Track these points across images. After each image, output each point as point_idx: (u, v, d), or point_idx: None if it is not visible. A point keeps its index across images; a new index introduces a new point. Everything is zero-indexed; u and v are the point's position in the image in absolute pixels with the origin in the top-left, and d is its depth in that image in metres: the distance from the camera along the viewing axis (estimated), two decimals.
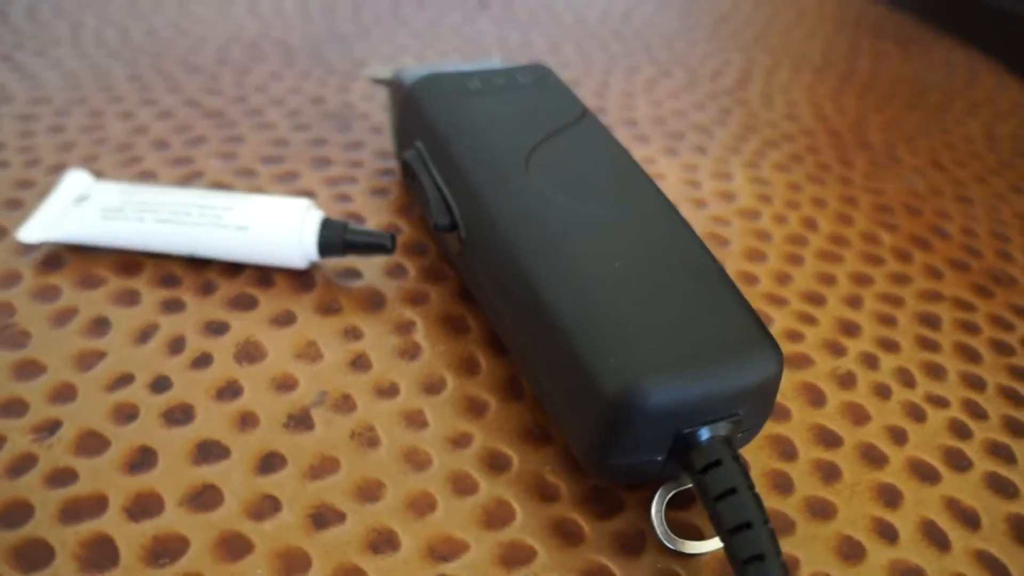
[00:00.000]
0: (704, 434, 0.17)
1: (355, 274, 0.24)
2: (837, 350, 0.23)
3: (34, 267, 0.23)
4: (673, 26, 0.41)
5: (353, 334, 0.22)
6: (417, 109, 0.24)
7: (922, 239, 0.28)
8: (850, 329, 0.24)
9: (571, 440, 0.18)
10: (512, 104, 0.23)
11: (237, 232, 0.22)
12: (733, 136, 0.32)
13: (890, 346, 0.24)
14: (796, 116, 0.35)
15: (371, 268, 0.24)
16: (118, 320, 0.21)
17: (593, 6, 0.43)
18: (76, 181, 0.25)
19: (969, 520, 0.19)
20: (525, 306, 0.19)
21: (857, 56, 0.41)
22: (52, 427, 0.19)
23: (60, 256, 0.23)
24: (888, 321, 0.24)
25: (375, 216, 0.26)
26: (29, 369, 0.20)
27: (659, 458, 0.17)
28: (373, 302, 0.23)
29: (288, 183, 0.27)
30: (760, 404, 0.17)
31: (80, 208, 0.23)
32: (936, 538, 0.18)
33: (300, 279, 0.23)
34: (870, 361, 0.23)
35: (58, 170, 0.27)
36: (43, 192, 0.26)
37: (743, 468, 0.16)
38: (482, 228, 0.20)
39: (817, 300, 0.25)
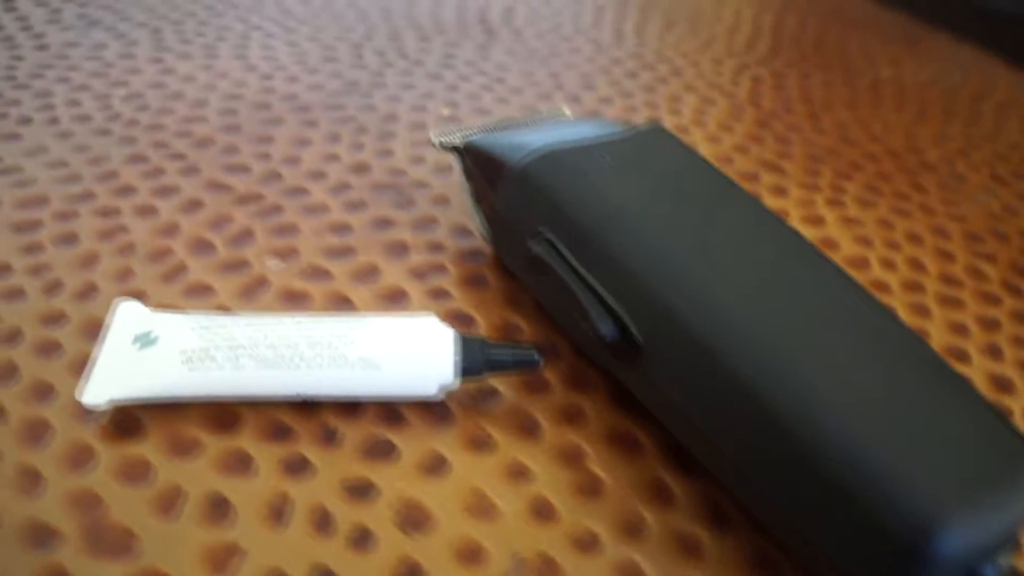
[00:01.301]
0: (994, 569, 0.15)
1: (492, 393, 0.21)
2: (1005, 409, 0.22)
3: (106, 436, 0.19)
4: (689, 44, 0.39)
5: (520, 473, 0.19)
6: (541, 193, 0.21)
7: (1021, 268, 0.27)
8: (1005, 385, 0.23)
9: None
10: (653, 179, 0.21)
11: (363, 369, 0.19)
12: (803, 170, 0.31)
13: None
14: (851, 139, 0.33)
15: (507, 383, 0.21)
16: (238, 496, 0.18)
17: (600, 27, 0.40)
18: (128, 315, 0.21)
19: None
20: (758, 430, 0.16)
21: (877, 63, 0.40)
22: None
23: (134, 416, 0.19)
24: None
25: (484, 315, 0.23)
26: None
27: None
28: (525, 428, 0.20)
29: (370, 282, 0.23)
30: None
31: (151, 354, 0.19)
32: None
33: (434, 410, 0.20)
34: None
35: (87, 295, 0.22)
36: (81, 329, 0.21)
37: None
38: (673, 335, 0.18)
39: (962, 356, 0.24)
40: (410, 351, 0.19)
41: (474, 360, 0.19)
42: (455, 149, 0.25)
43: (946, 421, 0.16)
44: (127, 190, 0.26)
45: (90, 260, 0.23)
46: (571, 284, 0.20)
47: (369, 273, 0.24)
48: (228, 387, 0.19)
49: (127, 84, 0.32)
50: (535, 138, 0.23)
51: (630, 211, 0.20)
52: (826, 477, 0.15)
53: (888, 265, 0.26)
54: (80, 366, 0.20)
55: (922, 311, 0.25)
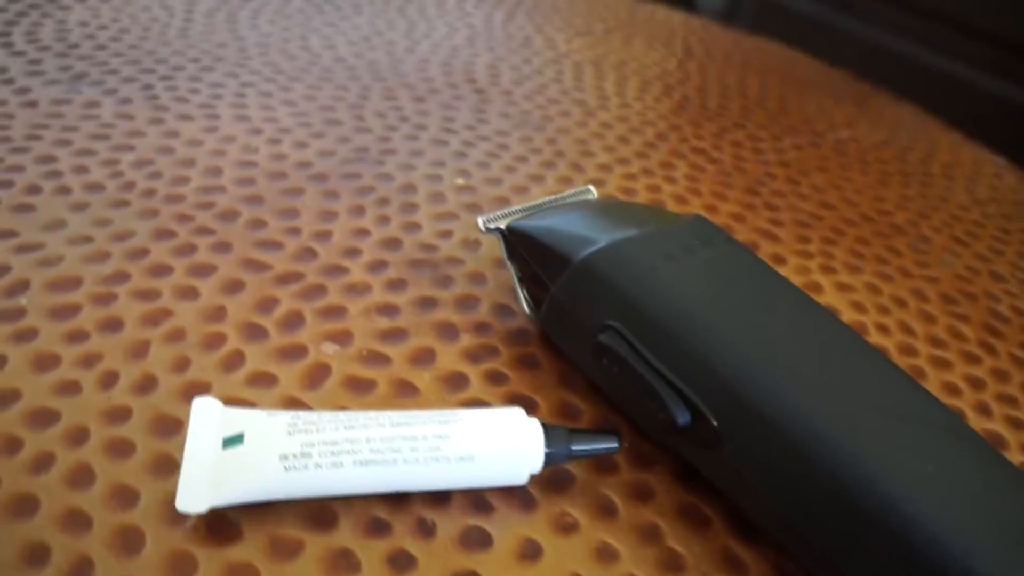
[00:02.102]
0: None
1: (566, 477, 0.22)
2: None
3: (203, 541, 0.19)
4: (666, 105, 0.42)
5: (608, 554, 0.20)
6: (607, 286, 0.22)
7: (991, 327, 0.31)
8: (998, 442, 0.26)
9: None
10: (710, 271, 0.23)
11: (460, 464, 0.20)
12: (794, 237, 0.33)
13: None
14: (829, 203, 0.36)
15: (577, 465, 0.22)
16: None
17: (583, 87, 0.42)
18: (208, 414, 0.21)
19: None
20: (846, 515, 0.18)
21: (835, 124, 0.43)
22: None
23: (227, 518, 0.19)
24: (1020, 425, 0.26)
25: (543, 397, 0.24)
26: None
27: None
28: (603, 508, 0.21)
29: (429, 366, 0.24)
30: None
31: (243, 455, 0.20)
32: None
33: (518, 496, 0.21)
34: None
35: (147, 387, 0.22)
36: (150, 425, 0.21)
37: None
38: (752, 422, 0.19)
39: (959, 415, 0.26)
40: (503, 445, 0.20)
41: (560, 450, 0.21)
42: (500, 231, 0.26)
43: (1012, 499, 0.18)
44: (162, 269, 0.26)
45: (141, 348, 0.23)
46: (644, 374, 0.21)
47: (426, 357, 0.24)
48: (328, 487, 0.19)
49: (133, 148, 0.31)
50: (588, 228, 0.24)
51: (701, 305, 0.21)
52: (912, 558, 0.17)
53: (883, 330, 0.29)
54: (157, 466, 0.20)
55: (919, 374, 0.27)
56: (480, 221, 0.26)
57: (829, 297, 0.30)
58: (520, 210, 0.27)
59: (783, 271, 0.31)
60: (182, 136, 0.32)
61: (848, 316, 0.29)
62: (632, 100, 0.41)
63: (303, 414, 0.20)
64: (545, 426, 0.21)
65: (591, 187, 0.28)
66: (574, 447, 0.21)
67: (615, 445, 0.21)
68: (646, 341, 0.21)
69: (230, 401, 0.22)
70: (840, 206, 0.36)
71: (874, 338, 0.29)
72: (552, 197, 0.27)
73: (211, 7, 0.43)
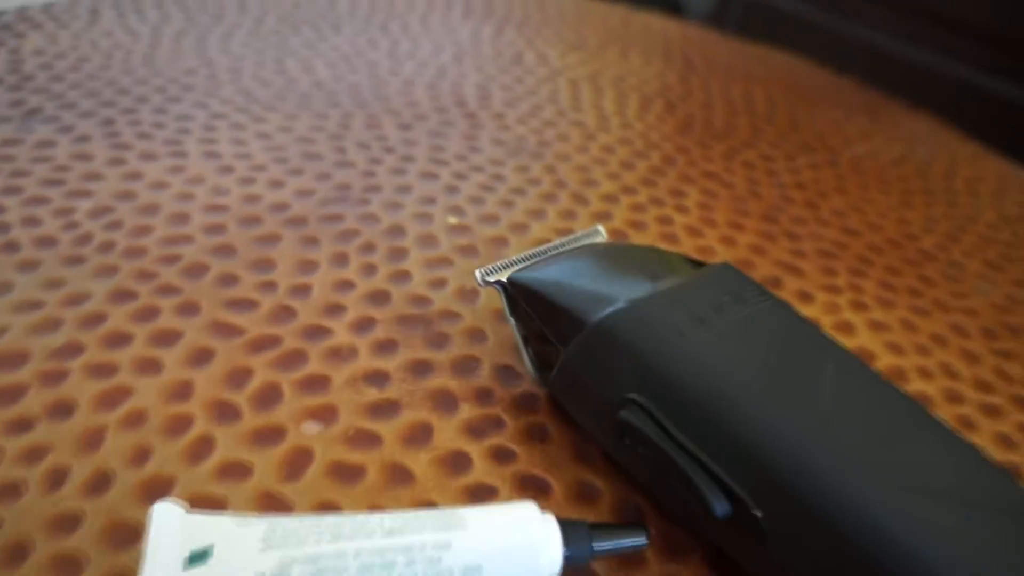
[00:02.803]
0: None
1: (588, 574, 0.19)
2: None
3: None
4: (670, 124, 0.39)
5: None
6: (630, 354, 0.19)
7: None
8: None
9: None
10: (743, 333, 0.20)
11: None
12: (819, 269, 0.30)
13: None
14: (852, 229, 0.33)
15: (599, 559, 0.19)
16: None
17: (580, 107, 0.39)
18: (169, 522, 0.18)
19: None
20: None
21: (849, 140, 0.41)
22: None
23: None
24: None
25: (556, 476, 0.21)
26: None
27: None
28: None
29: (425, 445, 0.21)
30: None
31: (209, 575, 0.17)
32: None
33: None
34: None
35: (102, 486, 0.19)
36: (103, 534, 0.18)
37: None
38: (795, 510, 0.17)
39: (1018, 472, 0.24)
40: (515, 551, 0.17)
41: (580, 551, 0.18)
42: (500, 284, 0.23)
43: None
44: (119, 338, 0.23)
45: (95, 436, 0.20)
46: (675, 457, 0.18)
47: (421, 434, 0.21)
48: None
49: (90, 195, 0.28)
50: (604, 284, 0.21)
51: (739, 377, 0.18)
52: None
53: (925, 375, 0.26)
54: None
55: (969, 425, 0.25)
56: (478, 274, 0.23)
57: (862, 339, 0.27)
58: (522, 259, 0.24)
59: (811, 310, 0.28)
60: (145, 178, 0.29)
61: (886, 360, 0.26)
62: (634, 120, 0.38)
63: (280, 522, 0.17)
64: (563, 523, 0.18)
65: (600, 228, 0.25)
66: (596, 546, 0.18)
67: (643, 540, 0.18)
68: (675, 418, 0.18)
69: (197, 500, 0.19)
70: (864, 231, 0.33)
71: (916, 385, 0.26)
72: (558, 241, 0.25)
73: (179, 30, 0.40)
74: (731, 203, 0.33)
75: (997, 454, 0.24)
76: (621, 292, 0.21)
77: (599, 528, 0.18)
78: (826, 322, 0.28)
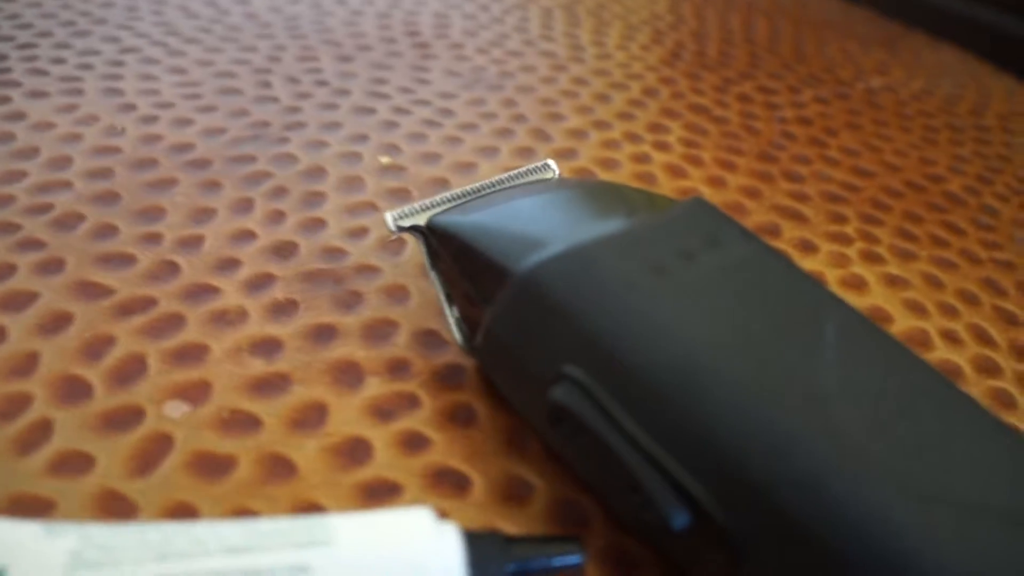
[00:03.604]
0: None
1: None
2: None
3: None
4: (656, 54, 0.34)
5: None
6: (564, 314, 0.15)
7: None
8: None
9: None
10: (716, 288, 0.15)
11: None
12: (825, 216, 0.26)
13: None
14: (865, 169, 0.28)
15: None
16: None
17: (552, 37, 0.34)
18: None
19: None
20: None
21: (864, 72, 0.35)
22: None
23: None
24: None
25: (480, 470, 0.16)
26: None
27: None
28: None
29: (316, 430, 0.17)
30: None
31: None
32: None
33: None
34: None
35: None
36: None
37: None
38: (771, 520, 0.12)
39: None
40: (396, 573, 0.13)
41: (491, 572, 0.13)
42: (418, 231, 0.18)
43: None
44: None
45: None
46: (619, 449, 0.14)
47: (313, 416, 0.17)
48: None
49: None
50: (541, 225, 0.17)
51: (704, 342, 0.14)
52: None
53: (952, 340, 0.22)
54: None
55: (1007, 401, 0.20)
56: (389, 217, 0.18)
57: (876, 297, 0.22)
58: (449, 198, 0.19)
59: (813, 262, 0.23)
60: (28, 118, 0.25)
61: (904, 323, 0.22)
62: (614, 50, 0.33)
63: (98, 532, 0.13)
64: (470, 535, 0.14)
65: (550, 162, 0.21)
66: (514, 566, 0.13)
67: (577, 558, 0.14)
68: (620, 399, 0.14)
69: (19, 500, 0.15)
70: (880, 172, 0.28)
71: (940, 353, 0.21)
72: (496, 179, 0.20)
73: None
74: (721, 140, 0.28)
75: None
76: (559, 235, 0.16)
77: (519, 542, 0.14)
78: (831, 277, 0.23)
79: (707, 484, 0.13)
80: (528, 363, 0.15)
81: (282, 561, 0.13)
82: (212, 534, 0.13)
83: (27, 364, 0.18)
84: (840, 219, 0.25)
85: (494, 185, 0.20)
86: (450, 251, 0.18)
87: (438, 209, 0.19)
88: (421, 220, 0.18)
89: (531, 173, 0.20)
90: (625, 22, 0.36)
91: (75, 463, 0.16)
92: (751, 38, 0.37)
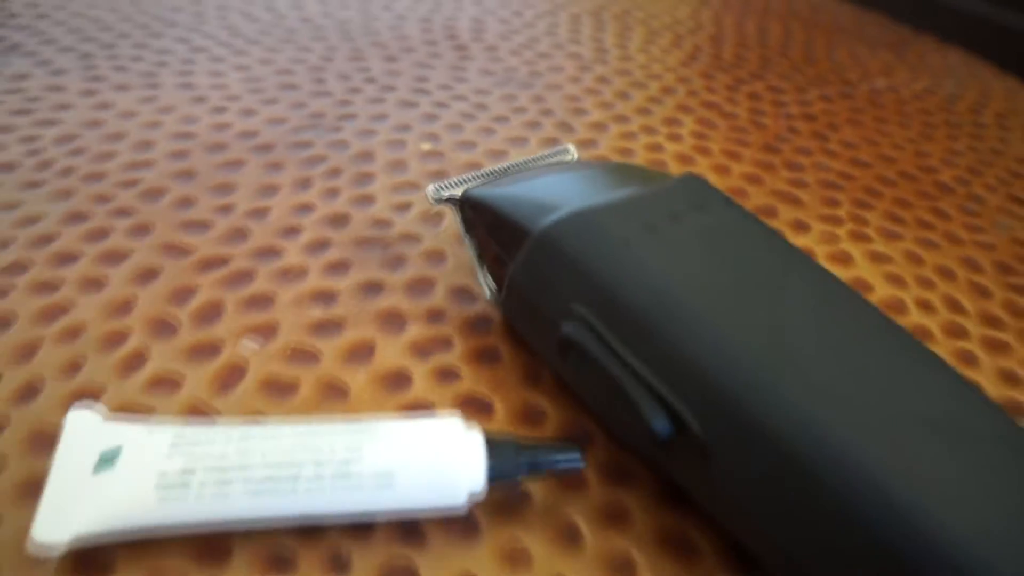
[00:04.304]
0: None
1: (522, 498, 0.18)
2: None
3: None
4: (675, 56, 0.37)
5: None
6: (574, 264, 0.18)
7: None
8: None
9: None
10: (701, 243, 0.18)
11: (376, 488, 0.16)
12: (820, 200, 0.28)
13: None
14: (862, 161, 0.31)
15: (537, 482, 0.18)
16: None
17: (579, 40, 0.37)
18: (84, 426, 0.17)
19: None
20: (855, 543, 0.14)
21: (870, 73, 0.38)
22: None
23: (99, 557, 0.16)
24: None
25: (502, 398, 0.20)
26: None
27: None
28: (564, 535, 0.17)
29: (365, 363, 0.20)
30: None
31: (115, 478, 0.16)
32: None
33: (459, 523, 0.17)
34: None
35: (31, 394, 0.19)
36: (27, 439, 0.18)
37: None
38: (743, 433, 0.15)
39: (1019, 410, 0.22)
40: (432, 463, 0.16)
41: (507, 467, 0.16)
42: (453, 201, 0.22)
43: None
44: (68, 257, 0.22)
45: (30, 349, 0.20)
46: (616, 373, 0.17)
47: (363, 352, 0.20)
48: (214, 516, 0.16)
49: (57, 123, 0.28)
50: (556, 194, 0.20)
51: (686, 286, 0.17)
52: None
53: (925, 307, 0.24)
54: (29, 488, 0.17)
55: (969, 360, 0.23)
56: (430, 189, 0.21)
57: (860, 270, 0.25)
58: (481, 175, 0.22)
59: (805, 240, 0.26)
60: (115, 108, 0.29)
61: (883, 292, 0.24)
62: (635, 52, 0.36)
63: (191, 428, 0.17)
64: (489, 438, 0.17)
65: (570, 146, 0.24)
66: (525, 463, 0.17)
67: (577, 461, 0.17)
68: (617, 332, 0.17)
69: (125, 408, 0.19)
70: (875, 163, 0.31)
71: (915, 317, 0.24)
72: (523, 160, 0.23)
73: None
74: (730, 133, 0.31)
75: (999, 390, 0.22)
76: (571, 202, 0.19)
77: (530, 446, 0.17)
78: (821, 252, 0.26)
79: (685, 398, 0.16)
80: (542, 305, 0.18)
81: (340, 445, 0.16)
82: (284, 426, 0.16)
83: (125, 306, 0.21)
84: (833, 203, 0.28)
85: (520, 165, 0.23)
86: (482, 218, 0.21)
87: (472, 184, 0.22)
88: (457, 192, 0.22)
89: (553, 156, 0.24)
90: (647, 27, 0.39)
91: (168, 382, 0.19)
92: (764, 42, 0.39)
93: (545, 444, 0.17)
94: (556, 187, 0.21)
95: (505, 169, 0.23)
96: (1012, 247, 0.28)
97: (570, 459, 0.17)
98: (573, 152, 0.24)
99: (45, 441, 0.18)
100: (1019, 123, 0.36)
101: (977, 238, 0.28)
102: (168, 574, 0.15)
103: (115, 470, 0.16)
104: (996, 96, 0.38)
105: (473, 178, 0.22)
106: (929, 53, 0.41)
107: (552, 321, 0.18)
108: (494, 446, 0.17)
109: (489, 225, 0.21)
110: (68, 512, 0.16)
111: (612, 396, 0.17)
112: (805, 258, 0.18)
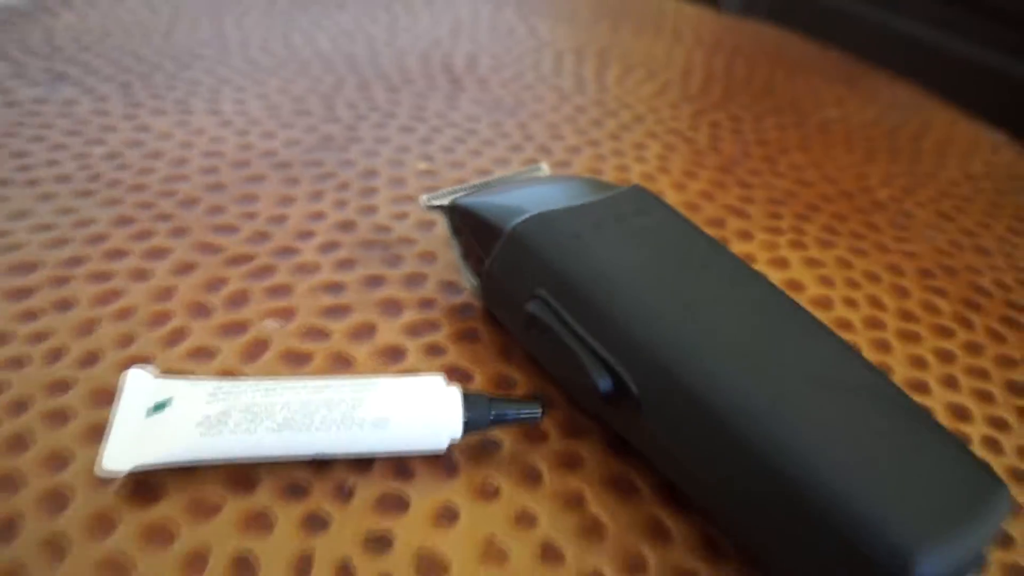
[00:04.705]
0: None
1: (493, 444, 0.22)
2: (963, 439, 0.24)
3: (127, 501, 0.19)
4: (647, 89, 0.41)
5: (526, 519, 0.20)
6: (534, 255, 0.22)
7: (970, 300, 0.30)
8: (962, 414, 0.25)
9: None
10: (640, 239, 0.22)
11: (374, 429, 0.20)
12: (765, 214, 0.32)
13: (1001, 425, 0.24)
14: (807, 181, 0.35)
15: (507, 432, 0.22)
16: (264, 553, 0.18)
17: (561, 74, 0.42)
18: (140, 383, 0.21)
19: None
20: (747, 474, 0.18)
21: (823, 104, 0.42)
22: None
23: (151, 481, 0.20)
24: (987, 397, 0.25)
25: (480, 369, 0.24)
26: None
27: None
28: (528, 476, 0.21)
29: (368, 341, 0.24)
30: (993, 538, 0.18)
31: (166, 420, 0.20)
32: None
33: (441, 463, 0.21)
34: (994, 446, 0.24)
35: (92, 361, 0.23)
36: (90, 395, 0.22)
37: None
38: (667, 387, 0.19)
39: (922, 388, 0.25)
40: (419, 411, 0.20)
41: (479, 416, 0.20)
42: (443, 208, 0.26)
43: (919, 457, 0.17)
44: (118, 253, 0.27)
45: (90, 326, 0.24)
46: (568, 342, 0.21)
47: (366, 331, 0.24)
48: (244, 450, 0.20)
49: (104, 142, 0.32)
50: (525, 201, 0.24)
51: (623, 272, 0.21)
52: (815, 516, 0.17)
53: (850, 304, 0.28)
54: (93, 432, 0.21)
55: (884, 346, 0.27)
56: (423, 199, 0.26)
57: (795, 272, 0.29)
58: (467, 188, 0.27)
59: (748, 246, 0.30)
60: (153, 130, 0.33)
61: (814, 291, 0.28)
62: (611, 85, 0.41)
63: (227, 383, 0.21)
64: (466, 393, 0.21)
65: (543, 165, 0.28)
66: (494, 413, 0.21)
67: (537, 412, 0.21)
68: (570, 309, 0.21)
69: (169, 371, 0.23)
70: (818, 183, 0.35)
71: (839, 312, 0.28)
72: (500, 176, 0.27)
73: (197, 9, 0.44)
74: (690, 156, 0.35)
75: (908, 371, 0.26)
76: (536, 206, 0.24)
77: (498, 400, 0.21)
78: (761, 257, 0.30)
79: (623, 361, 0.20)
80: (512, 290, 0.23)
81: (348, 396, 0.20)
82: (301, 382, 0.20)
83: (168, 293, 0.25)
84: (777, 217, 0.32)
85: (500, 180, 0.27)
86: (465, 221, 0.25)
87: (459, 194, 0.26)
88: (446, 201, 0.26)
89: (528, 172, 0.28)
90: (624, 63, 0.44)
91: (204, 353, 0.23)
92: (730, 76, 0.44)
93: (512, 399, 0.21)
94: (526, 196, 0.25)
95: (487, 183, 0.27)
96: (934, 255, 0.32)
97: (531, 411, 0.21)
98: (545, 169, 0.28)
99: (105, 397, 0.22)
100: (956, 150, 0.40)
101: (904, 248, 0.32)
102: (207, 496, 0.19)
103: (164, 414, 0.20)
104: (937, 125, 0.42)
105: (460, 190, 0.26)
106: (881, 86, 0.45)
107: (520, 303, 0.22)
108: (469, 399, 0.21)
109: (471, 227, 0.25)
110: (128, 447, 0.20)
111: (567, 362, 0.21)
112: (726, 252, 0.22)
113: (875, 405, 0.19)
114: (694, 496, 0.19)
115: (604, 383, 0.20)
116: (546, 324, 0.21)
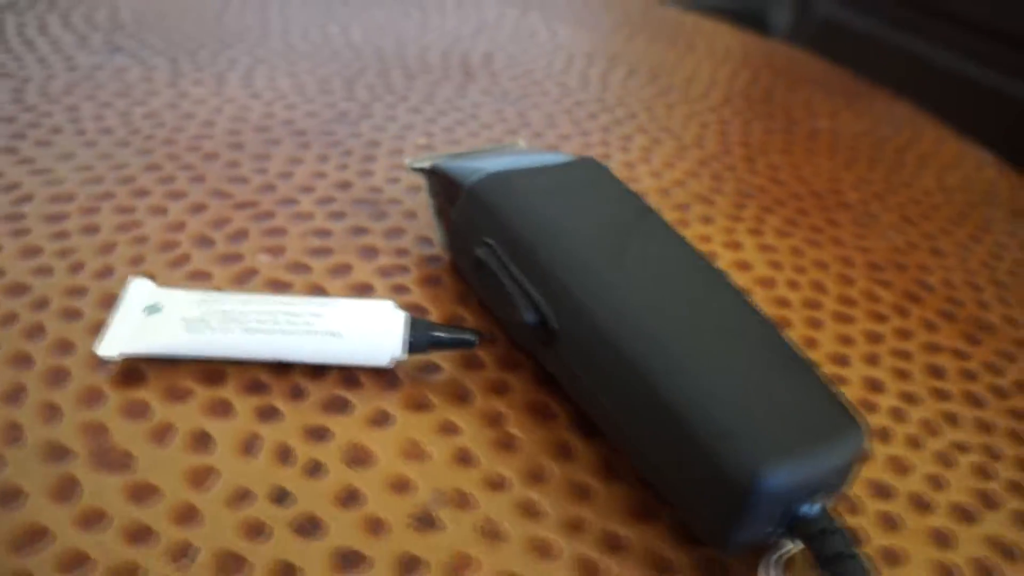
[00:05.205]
0: (813, 507, 0.19)
1: (435, 368, 0.25)
2: (870, 407, 0.26)
3: (114, 382, 0.23)
4: (648, 91, 0.44)
5: (450, 429, 0.23)
6: (486, 208, 0.25)
7: (912, 293, 0.32)
8: (876, 386, 0.27)
9: (693, 520, 0.20)
10: (580, 201, 0.25)
11: (328, 338, 0.23)
12: (731, 203, 0.35)
13: (911, 399, 0.26)
14: (780, 180, 0.38)
15: (449, 360, 0.25)
16: (219, 433, 0.22)
17: (569, 73, 0.45)
18: (141, 290, 0.25)
19: (1007, 553, 0.22)
20: (636, 398, 0.20)
21: (816, 115, 0.45)
22: (186, 551, 0.19)
23: (138, 369, 0.23)
24: (905, 375, 0.27)
25: (436, 306, 0.27)
26: (144, 493, 0.20)
27: (772, 530, 0.19)
28: (459, 396, 0.24)
29: (343, 277, 0.28)
30: (849, 472, 0.20)
31: (157, 319, 0.24)
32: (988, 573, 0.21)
33: (385, 377, 0.24)
34: (899, 415, 0.26)
35: (105, 275, 0.27)
36: (99, 300, 0.25)
37: (848, 534, 0.19)
38: (579, 324, 0.22)
39: (843, 361, 0.28)
40: (368, 327, 0.23)
41: (420, 337, 0.24)
42: (424, 171, 0.29)
43: (785, 393, 0.20)
44: (143, 192, 0.31)
45: (109, 247, 0.28)
46: (506, 283, 0.24)
47: (343, 270, 0.28)
48: (218, 348, 0.23)
49: (146, 104, 0.37)
50: (488, 164, 0.27)
51: (557, 225, 0.24)
52: (686, 434, 0.19)
53: (792, 285, 0.31)
54: (97, 329, 0.24)
55: (816, 324, 0.29)
56: (407, 160, 0.29)
57: (747, 254, 0.32)
58: (447, 155, 0.30)
59: (706, 229, 0.33)
60: (190, 96, 0.38)
61: (760, 271, 0.31)
62: (614, 86, 0.44)
63: (213, 293, 0.24)
64: (412, 319, 0.24)
65: (521, 141, 0.31)
66: (434, 335, 0.24)
67: (472, 339, 0.24)
68: (511, 255, 0.24)
69: (170, 285, 0.26)
70: (790, 183, 0.37)
71: (780, 291, 0.30)
72: (482, 148, 0.31)
73: None
74: (674, 150, 0.38)
75: (833, 347, 0.28)
76: (496, 168, 0.27)
77: (440, 326, 0.24)
78: (717, 239, 0.32)
79: (548, 300, 0.23)
80: (468, 239, 0.26)
81: (307, 309, 0.23)
82: (275, 297, 0.24)
83: (179, 226, 0.29)
84: (741, 207, 0.35)
85: (479, 150, 0.31)
86: (439, 180, 0.28)
87: (438, 160, 0.30)
88: (426, 164, 0.29)
89: (507, 146, 0.31)
90: (631, 67, 0.47)
91: (202, 276, 0.27)
92: (732, 84, 0.47)
93: (453, 327, 0.24)
94: (492, 161, 0.28)
95: (467, 152, 0.30)
96: (889, 253, 0.34)
97: (466, 337, 0.24)
98: (522, 144, 0.31)
99: (113, 302, 0.26)
100: (937, 163, 0.42)
101: (860, 244, 0.34)
102: (181, 385, 0.23)
103: (157, 315, 0.24)
104: (925, 141, 0.44)
105: (440, 156, 0.30)
106: (878, 103, 0.47)
107: (472, 250, 0.26)
108: (415, 324, 0.24)
109: (443, 186, 0.28)
110: (123, 338, 0.23)
111: (503, 300, 0.24)
112: (660, 221, 0.25)
113: (758, 349, 0.21)
114: (599, 421, 0.22)
115: (529, 316, 0.23)
116: (490, 268, 0.24)
